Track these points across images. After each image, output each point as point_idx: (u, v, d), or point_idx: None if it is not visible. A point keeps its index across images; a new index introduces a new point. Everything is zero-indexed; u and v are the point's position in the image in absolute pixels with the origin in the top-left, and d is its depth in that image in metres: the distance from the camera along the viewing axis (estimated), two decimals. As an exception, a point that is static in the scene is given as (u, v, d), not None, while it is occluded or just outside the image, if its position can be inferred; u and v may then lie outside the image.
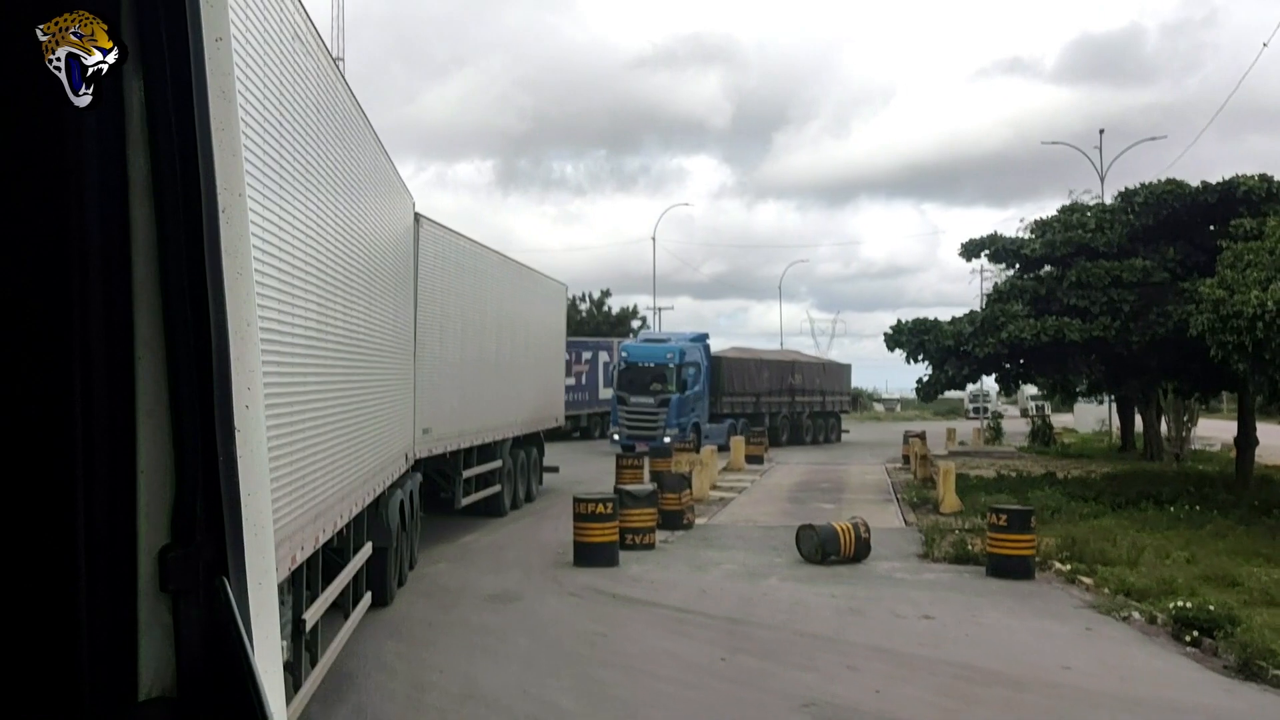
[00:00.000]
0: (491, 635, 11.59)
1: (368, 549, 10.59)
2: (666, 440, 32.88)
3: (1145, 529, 18.51)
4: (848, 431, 50.83)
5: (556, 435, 40.36)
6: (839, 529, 16.46)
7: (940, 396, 31.58)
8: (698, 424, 37.41)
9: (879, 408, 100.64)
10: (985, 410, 57.29)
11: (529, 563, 15.80)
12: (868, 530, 16.63)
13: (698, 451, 30.09)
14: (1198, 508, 20.30)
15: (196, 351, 1.33)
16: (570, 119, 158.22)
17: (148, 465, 1.33)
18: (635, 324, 78.86)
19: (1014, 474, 27.95)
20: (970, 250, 26.25)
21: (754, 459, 35.67)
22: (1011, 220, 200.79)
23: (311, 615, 7.74)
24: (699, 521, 20.31)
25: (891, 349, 26.40)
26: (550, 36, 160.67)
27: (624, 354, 39.24)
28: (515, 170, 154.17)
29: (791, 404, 45.17)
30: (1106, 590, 13.93)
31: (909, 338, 25.46)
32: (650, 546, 17.10)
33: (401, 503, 12.85)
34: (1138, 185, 24.24)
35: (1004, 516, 15.45)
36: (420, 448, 14.51)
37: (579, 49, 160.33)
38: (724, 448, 35.20)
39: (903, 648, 11.32)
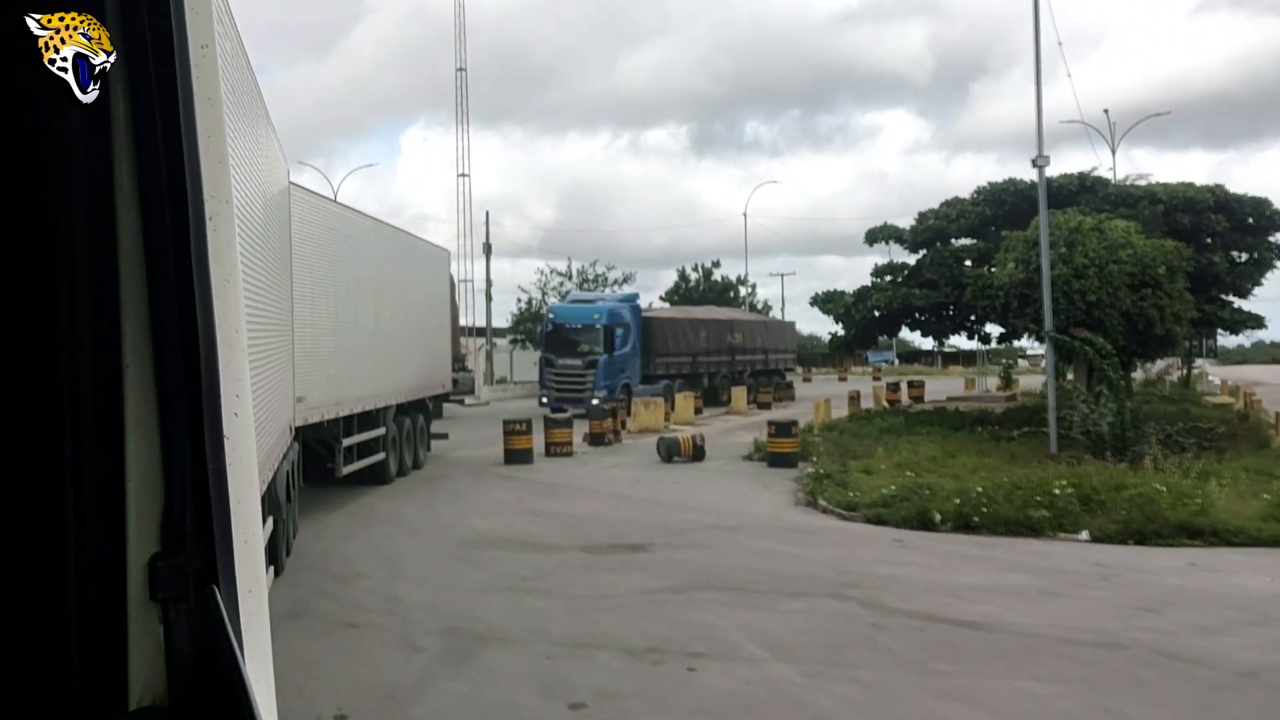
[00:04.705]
0: (405, 490, 19.91)
1: (269, 524, 10.68)
2: (595, 401, 32.71)
3: (937, 442, 25.30)
4: (789, 385, 52.60)
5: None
6: (681, 439, 24.12)
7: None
8: (628, 385, 37.25)
9: (1024, 363, 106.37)
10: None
11: (470, 467, 24.07)
12: (703, 440, 24.25)
13: (629, 412, 32.00)
14: (997, 428, 26.90)
15: (185, 359, 1.35)
16: (766, 80, 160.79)
17: (136, 474, 1.33)
18: (744, 291, 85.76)
19: (927, 410, 34.51)
20: (871, 238, 32.78)
21: (764, 405, 43.29)
22: (1229, 163, 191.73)
23: None
24: (627, 441, 28.27)
25: (825, 313, 33.39)
26: None
27: (550, 315, 39.11)
28: (709, 134, 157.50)
29: (731, 363, 45.56)
30: (818, 470, 21.16)
31: (823, 304, 32.44)
32: (569, 455, 25.09)
33: (287, 474, 13.06)
34: (986, 184, 30.77)
35: (774, 426, 22.90)
36: (298, 416, 14.57)
37: (777, 8, 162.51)
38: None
39: (629, 493, 19.02)
